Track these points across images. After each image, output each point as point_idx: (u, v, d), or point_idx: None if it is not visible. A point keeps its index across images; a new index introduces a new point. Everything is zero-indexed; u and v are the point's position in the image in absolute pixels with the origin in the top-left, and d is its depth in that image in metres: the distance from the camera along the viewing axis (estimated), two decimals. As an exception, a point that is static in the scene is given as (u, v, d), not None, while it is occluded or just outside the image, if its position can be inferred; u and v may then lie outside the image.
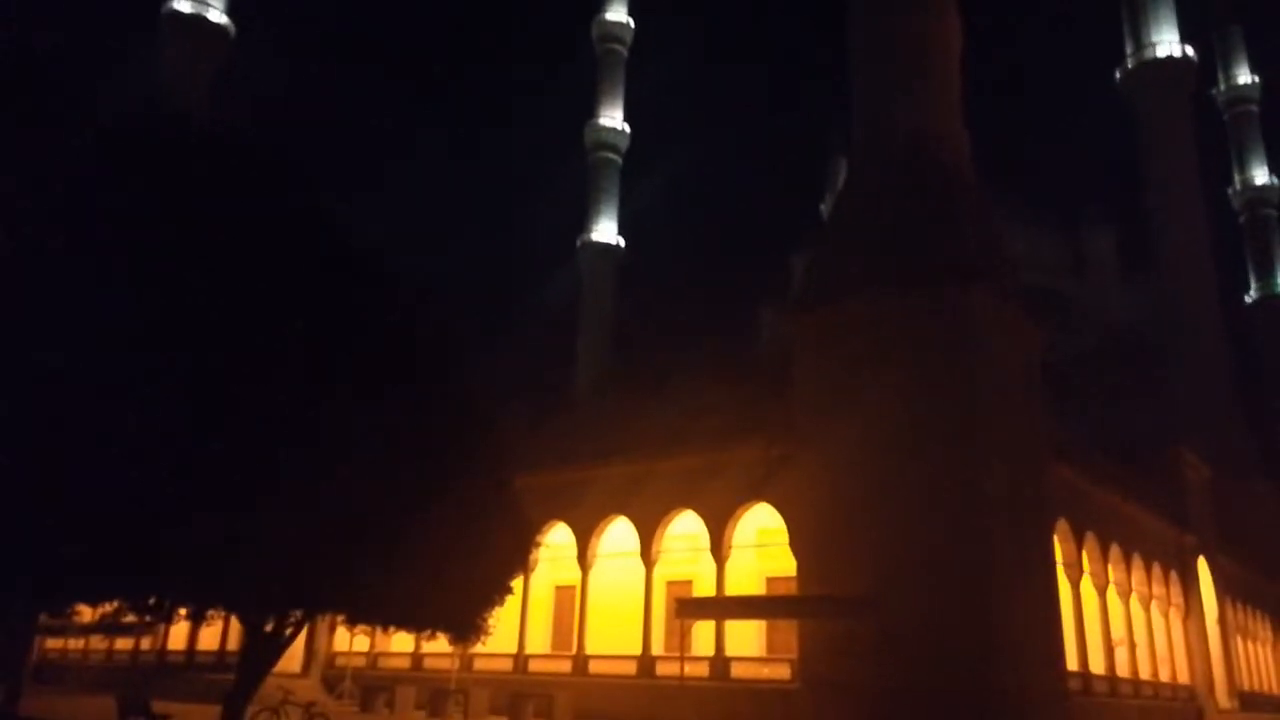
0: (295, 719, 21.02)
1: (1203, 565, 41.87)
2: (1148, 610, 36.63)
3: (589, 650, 31.73)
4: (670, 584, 32.58)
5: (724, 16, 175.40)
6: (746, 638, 30.77)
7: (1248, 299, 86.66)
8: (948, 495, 24.64)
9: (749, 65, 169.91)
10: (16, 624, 21.83)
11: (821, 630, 25.74)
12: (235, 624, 27.07)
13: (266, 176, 13.73)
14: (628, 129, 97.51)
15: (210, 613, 15.49)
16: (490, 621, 17.62)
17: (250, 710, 16.16)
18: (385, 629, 18.58)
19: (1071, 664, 28.13)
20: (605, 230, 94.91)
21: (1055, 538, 28.92)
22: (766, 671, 28.23)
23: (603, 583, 33.09)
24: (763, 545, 30.56)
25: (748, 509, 29.99)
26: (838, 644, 25.01)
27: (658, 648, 30.75)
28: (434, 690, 30.22)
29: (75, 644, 41.16)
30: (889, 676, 23.25)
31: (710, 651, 28.94)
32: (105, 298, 11.16)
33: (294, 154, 15.20)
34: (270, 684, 18.57)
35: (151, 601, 14.14)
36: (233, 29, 72.84)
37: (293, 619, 15.65)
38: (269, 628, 15.46)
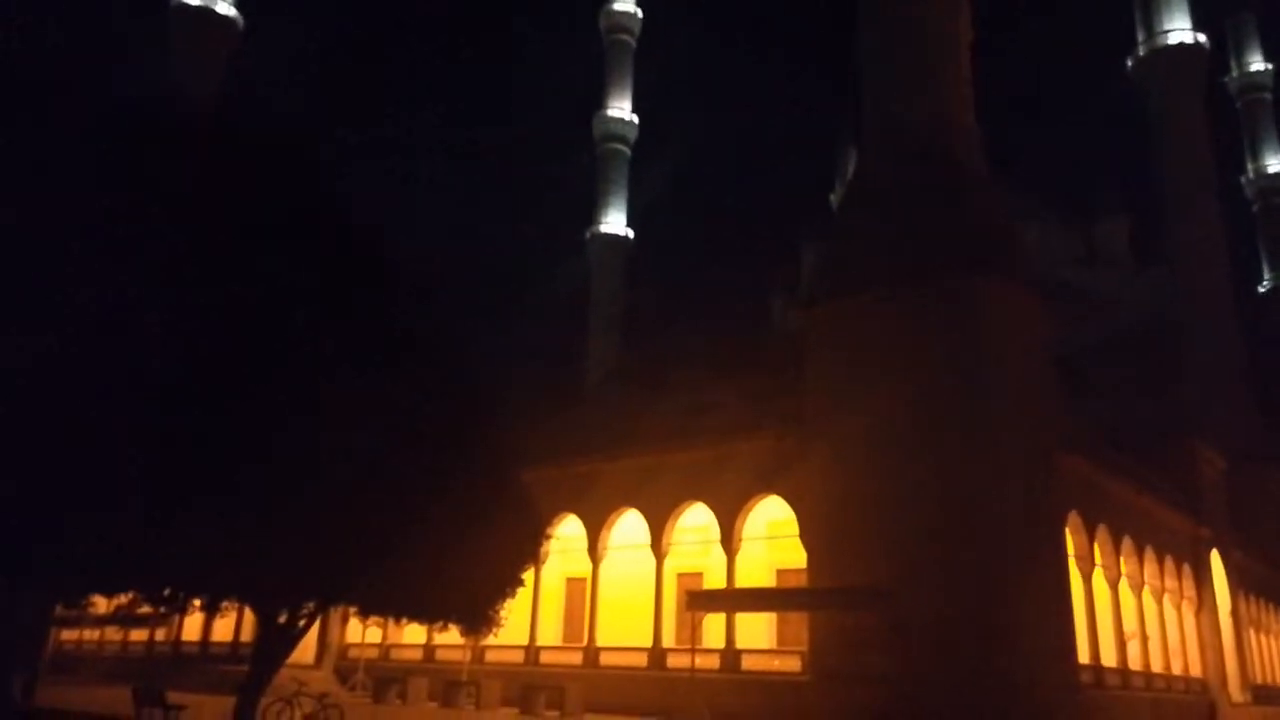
0: (309, 710, 21.13)
1: (1216, 558, 41.66)
2: (1160, 603, 36.48)
3: (600, 642, 31.81)
4: (681, 576, 32.64)
5: (733, 5, 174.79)
6: (757, 630, 30.81)
7: (1261, 289, 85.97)
8: (959, 487, 24.58)
9: (758, 54, 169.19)
10: (32, 615, 21.99)
11: (832, 622, 25.74)
12: (249, 615, 27.29)
13: (268, 164, 13.70)
14: (636, 120, 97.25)
15: (224, 604, 15.57)
16: (502, 613, 17.67)
17: (264, 701, 16.28)
18: (398, 621, 18.72)
19: (1083, 657, 28.03)
20: (614, 222, 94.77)
21: (1067, 530, 28.79)
22: (777, 664, 28.26)
23: (613, 575, 33.16)
24: (773, 537, 30.55)
25: (758, 501, 29.98)
26: (849, 636, 25.02)
27: (668, 640, 30.81)
28: (446, 682, 30.36)
29: (90, 635, 41.49)
30: (900, 668, 23.23)
31: (721, 644, 28.97)
32: (117, 287, 11.18)
33: (300, 142, 15.13)
34: (284, 675, 18.71)
35: (166, 593, 14.22)
36: (241, 21, 72.84)
37: (306, 610, 15.73)
38: (282, 619, 15.54)
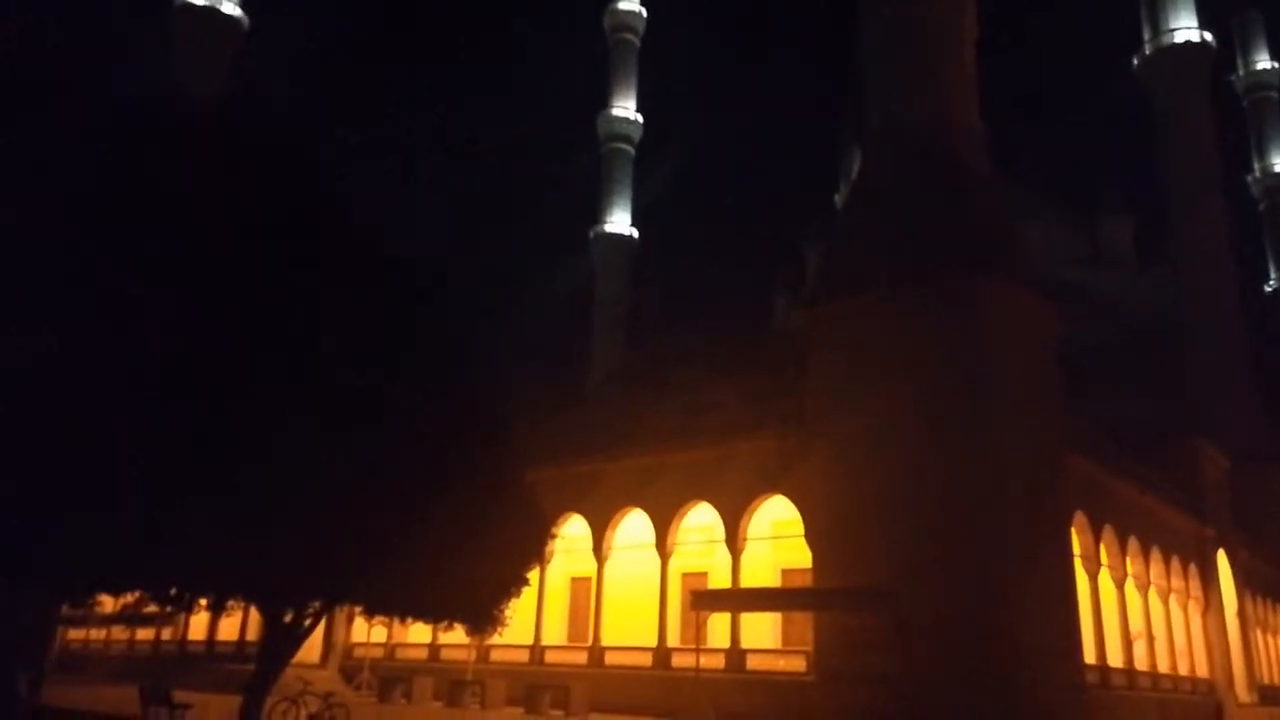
0: (314, 709, 21.16)
1: (1222, 558, 41.56)
2: (1166, 603, 36.41)
3: (605, 642, 31.83)
4: (685, 576, 32.64)
5: (737, 4, 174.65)
6: (762, 630, 30.80)
7: (1267, 288, 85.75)
8: (963, 487, 24.55)
9: (762, 54, 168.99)
10: (38, 614, 22.06)
11: (837, 622, 25.73)
12: (255, 615, 27.28)
13: (268, 164, 13.71)
14: (641, 119, 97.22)
15: (230, 603, 15.59)
16: (506, 613, 17.69)
17: (270, 700, 16.31)
18: (403, 620, 18.69)
19: (1089, 657, 28.01)
20: (618, 221, 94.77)
21: (1073, 530, 28.76)
22: (782, 664, 28.25)
23: (618, 574, 33.17)
24: (778, 537, 30.54)
25: (763, 501, 29.98)
26: (853, 636, 25.00)
27: (673, 640, 30.82)
28: (451, 681, 30.40)
29: (97, 634, 41.60)
30: (905, 669, 23.20)
31: (726, 643, 28.97)
32: (117, 287, 11.20)
33: (300, 142, 15.12)
34: (289, 674, 18.74)
35: (171, 592, 14.27)
36: (246, 21, 72.93)
37: (311, 610, 15.77)
38: (288, 618, 15.57)
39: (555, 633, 34.94)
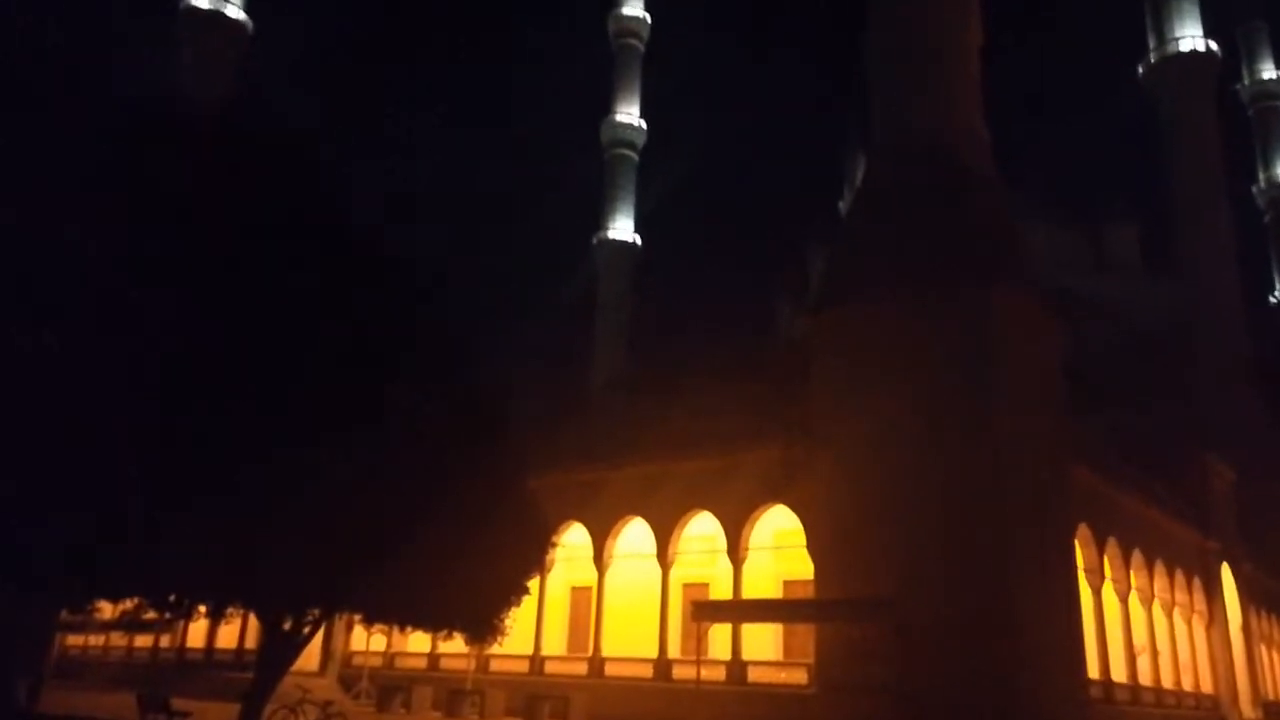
0: (313, 717, 21.05)
1: (1226, 572, 41.34)
2: (1170, 617, 36.19)
3: (605, 652, 31.65)
4: (687, 586, 32.46)
5: (741, 11, 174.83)
6: (763, 641, 30.61)
7: (1273, 298, 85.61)
8: (967, 497, 24.39)
9: (766, 60, 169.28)
10: (37, 620, 21.98)
11: (839, 634, 25.55)
12: (254, 622, 27.18)
13: (271, 165, 13.65)
14: (644, 125, 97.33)
15: (229, 611, 15.54)
16: (506, 622, 17.59)
17: (268, 708, 16.19)
18: (402, 629, 18.62)
19: (1093, 671, 27.82)
20: (622, 227, 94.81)
21: (1076, 542, 28.58)
22: (783, 675, 28.06)
23: (619, 584, 33.00)
24: (780, 548, 30.37)
25: (765, 511, 29.81)
26: (855, 648, 24.82)
27: (674, 650, 30.64)
28: (450, 690, 30.26)
29: (95, 641, 41.47)
30: (907, 681, 23.03)
31: (727, 655, 28.79)
32: (117, 287, 11.13)
33: (302, 143, 15.04)
34: (288, 682, 18.60)
35: (171, 599, 14.20)
36: (251, 25, 73.10)
37: (310, 618, 15.69)
38: (287, 626, 15.50)
39: (555, 643, 34.77)
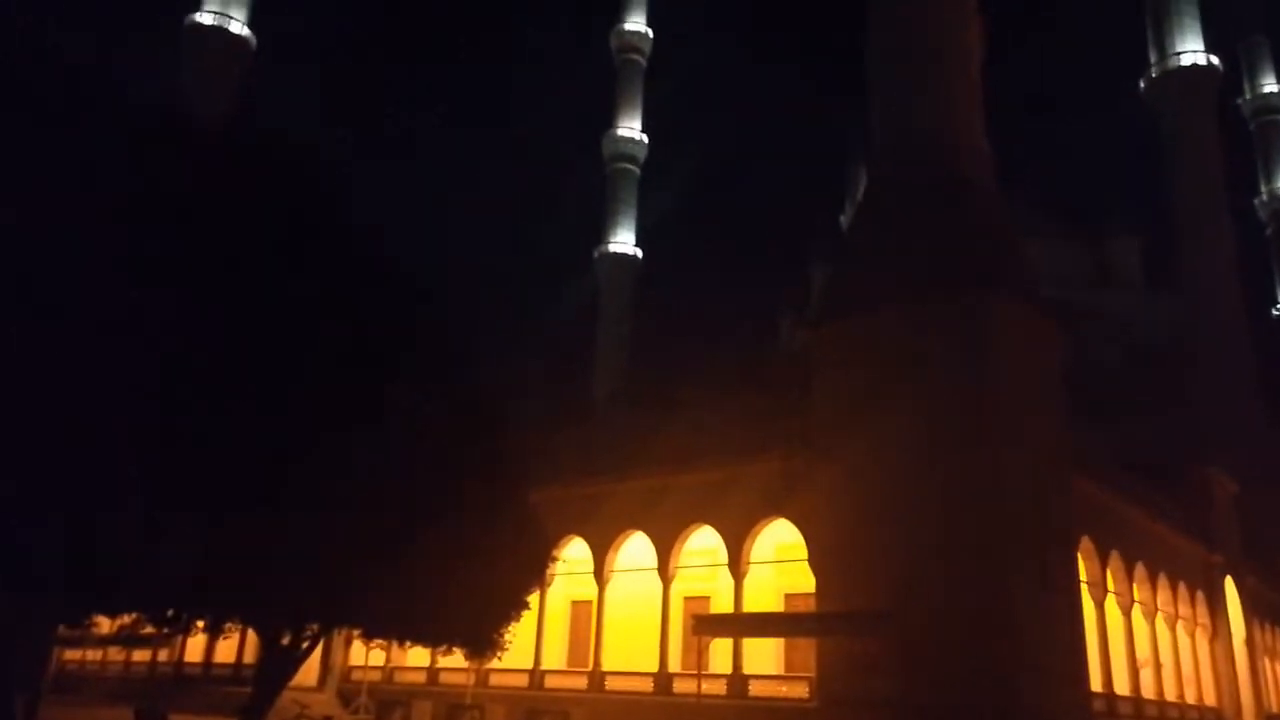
0: (310, 733, 20.95)
1: (1230, 585, 41.14)
2: (1173, 630, 36.01)
3: (605, 667, 31.48)
4: (688, 600, 32.32)
5: (743, 25, 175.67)
6: (765, 655, 30.45)
7: (1274, 311, 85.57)
8: (968, 510, 24.29)
9: (768, 75, 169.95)
10: (34, 634, 21.87)
11: (840, 648, 25.42)
12: (252, 637, 27.10)
13: (273, 176, 13.67)
14: (646, 139, 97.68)
15: (227, 625, 15.48)
16: (506, 637, 17.52)
17: (266, 725, 16.09)
18: (401, 643, 18.53)
19: (1096, 685, 27.65)
20: (623, 241, 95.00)
21: (1079, 555, 28.45)
22: (785, 690, 27.90)
23: (619, 598, 32.87)
24: (781, 561, 30.26)
25: (766, 524, 29.70)
26: (856, 662, 24.69)
27: (675, 665, 30.48)
28: (450, 705, 30.14)
29: (93, 655, 41.36)
30: (909, 695, 22.90)
31: (728, 669, 28.64)
32: (117, 290, 11.13)
33: (308, 154, 15.08)
34: (286, 697, 18.57)
35: (169, 613, 14.14)
36: (254, 40, 73.47)
37: (309, 632, 15.63)
38: (285, 641, 15.44)
39: (555, 657, 34.60)
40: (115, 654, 40.31)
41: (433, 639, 17.12)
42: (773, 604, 30.99)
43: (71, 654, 40.45)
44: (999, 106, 33.93)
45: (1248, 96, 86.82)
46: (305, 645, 15.72)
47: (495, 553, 15.45)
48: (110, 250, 11.22)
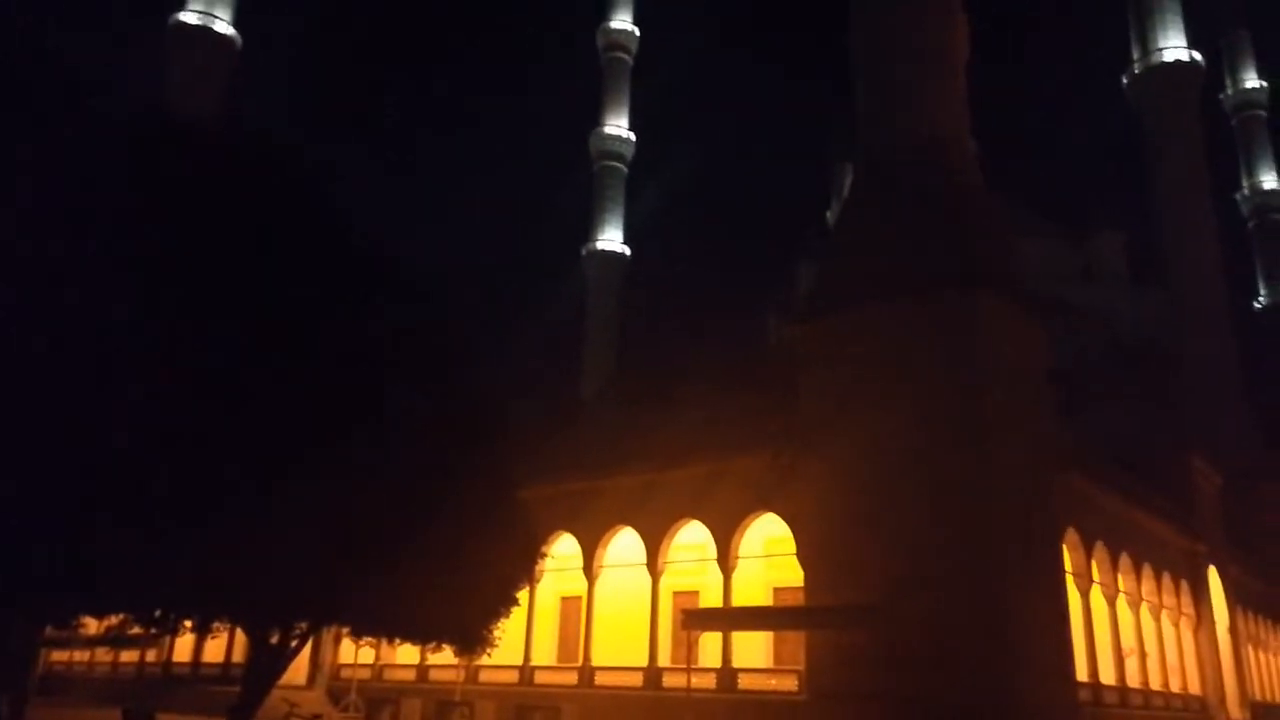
0: (300, 731, 20.95)
1: (1213, 574, 41.55)
2: (1158, 620, 36.34)
3: (595, 662, 31.57)
4: (677, 595, 32.42)
5: (730, 23, 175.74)
6: (754, 649, 30.59)
7: (1257, 305, 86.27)
8: (955, 503, 24.46)
9: (755, 72, 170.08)
10: (21, 635, 21.77)
11: (829, 641, 25.56)
12: (240, 636, 27.07)
13: (263, 175, 13.66)
14: (633, 137, 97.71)
15: (215, 625, 15.47)
16: (496, 633, 17.55)
17: (255, 723, 16.08)
18: (390, 641, 18.54)
19: (1081, 674, 27.89)
20: (611, 238, 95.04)
21: (1064, 547, 28.69)
22: (774, 683, 28.06)
23: (609, 593, 32.94)
24: (770, 555, 30.40)
25: (755, 519, 29.84)
26: (845, 655, 24.82)
27: (664, 659, 30.58)
28: (439, 702, 30.15)
29: (80, 656, 41.15)
30: (897, 688, 23.05)
31: (717, 663, 28.76)
32: (109, 304, 11.12)
33: (299, 153, 15.08)
34: (275, 696, 18.55)
35: (157, 614, 14.12)
36: (239, 40, 73.10)
37: (298, 631, 15.63)
38: (274, 639, 15.43)
39: (545, 653, 34.65)
40: (103, 655, 40.10)
41: (422, 636, 17.13)
42: (761, 598, 31.13)
43: (59, 655, 40.24)
44: (984, 104, 34.10)
45: (1230, 92, 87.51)
46: (294, 643, 15.72)
47: (484, 549, 15.46)
48: (109, 250, 11.22)
